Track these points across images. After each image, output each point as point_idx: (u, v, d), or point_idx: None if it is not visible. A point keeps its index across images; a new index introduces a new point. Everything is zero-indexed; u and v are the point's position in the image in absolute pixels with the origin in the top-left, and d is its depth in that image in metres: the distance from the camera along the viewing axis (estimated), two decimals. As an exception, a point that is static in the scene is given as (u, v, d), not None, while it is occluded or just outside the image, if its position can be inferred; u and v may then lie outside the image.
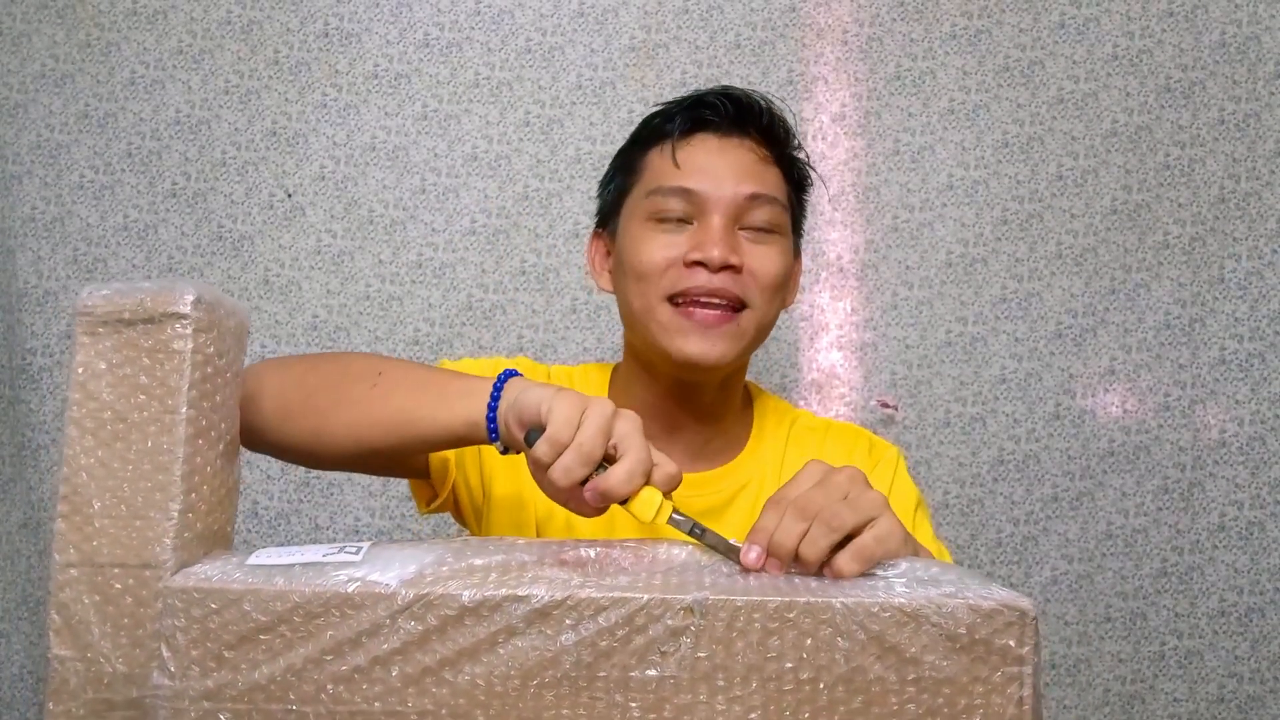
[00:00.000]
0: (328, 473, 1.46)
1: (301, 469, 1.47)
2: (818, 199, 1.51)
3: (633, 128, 1.49)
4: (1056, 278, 1.51)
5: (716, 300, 0.91)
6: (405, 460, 0.93)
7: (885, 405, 1.51)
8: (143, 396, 0.61)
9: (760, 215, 0.94)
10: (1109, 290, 1.51)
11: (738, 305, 0.92)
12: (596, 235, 1.05)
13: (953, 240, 1.51)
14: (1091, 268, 1.51)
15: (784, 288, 0.97)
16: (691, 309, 0.91)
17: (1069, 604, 1.50)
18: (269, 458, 1.48)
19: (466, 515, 1.00)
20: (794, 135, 1.01)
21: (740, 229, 0.94)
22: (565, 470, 0.63)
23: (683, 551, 0.63)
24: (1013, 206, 1.51)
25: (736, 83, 1.48)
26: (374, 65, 1.49)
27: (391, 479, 1.47)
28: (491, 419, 0.71)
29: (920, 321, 1.51)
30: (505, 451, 0.73)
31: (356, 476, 1.47)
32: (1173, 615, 1.50)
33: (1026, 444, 1.51)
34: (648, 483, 0.64)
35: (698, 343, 0.91)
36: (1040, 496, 1.50)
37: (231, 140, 1.48)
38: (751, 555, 0.61)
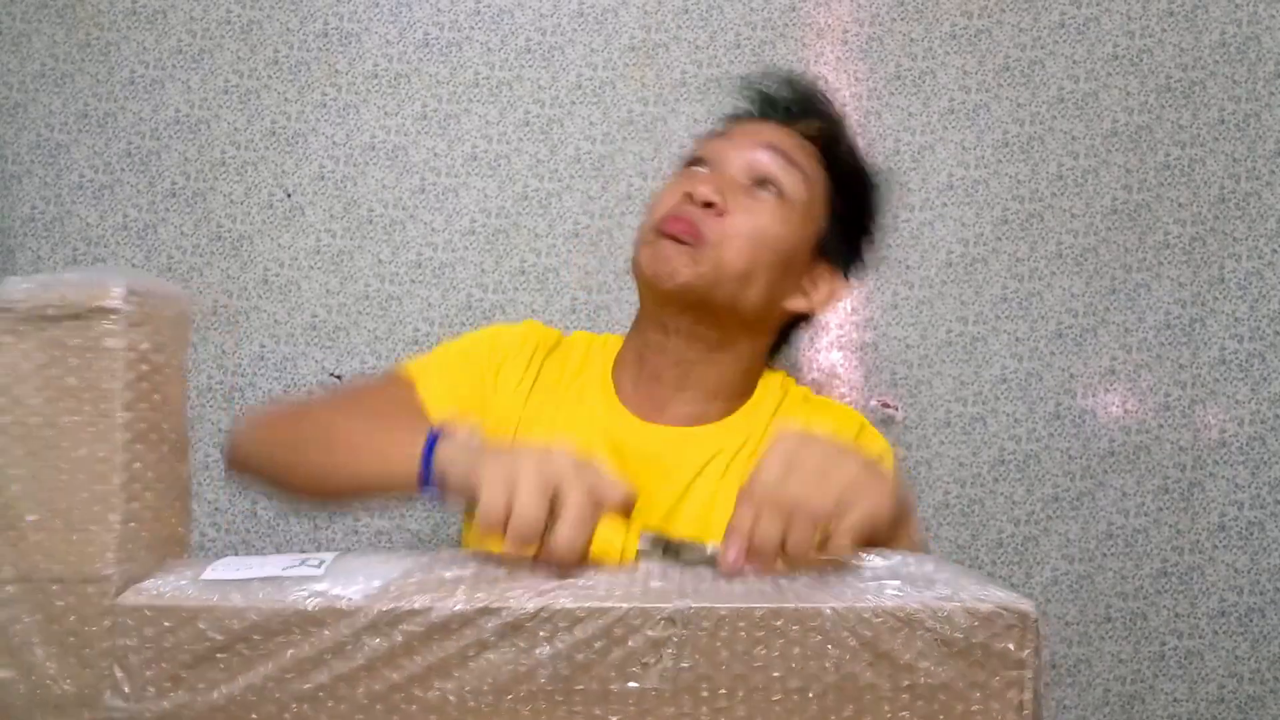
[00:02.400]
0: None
1: (301, 469, 1.47)
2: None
3: (632, 127, 1.50)
4: (1057, 277, 1.51)
5: (681, 227, 0.94)
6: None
7: (885, 405, 1.50)
8: (73, 400, 0.57)
9: (769, 168, 0.97)
10: (1109, 290, 1.51)
11: (700, 237, 0.94)
12: None
13: (953, 240, 1.51)
14: (1092, 267, 1.51)
15: (769, 249, 0.96)
16: (663, 229, 0.94)
17: (1069, 604, 1.50)
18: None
19: None
20: (862, 165, 1.05)
21: (755, 183, 0.97)
22: (516, 551, 0.60)
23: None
24: (1013, 206, 1.51)
25: (736, 82, 1.49)
26: (374, 65, 1.49)
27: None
28: (428, 485, 0.71)
29: (920, 321, 1.51)
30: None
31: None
32: (1173, 615, 1.50)
33: (1027, 444, 1.51)
34: (600, 515, 0.61)
35: (657, 248, 0.94)
36: (1040, 496, 1.50)
37: (231, 140, 1.48)
38: (730, 557, 0.59)
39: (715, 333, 0.98)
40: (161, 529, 0.60)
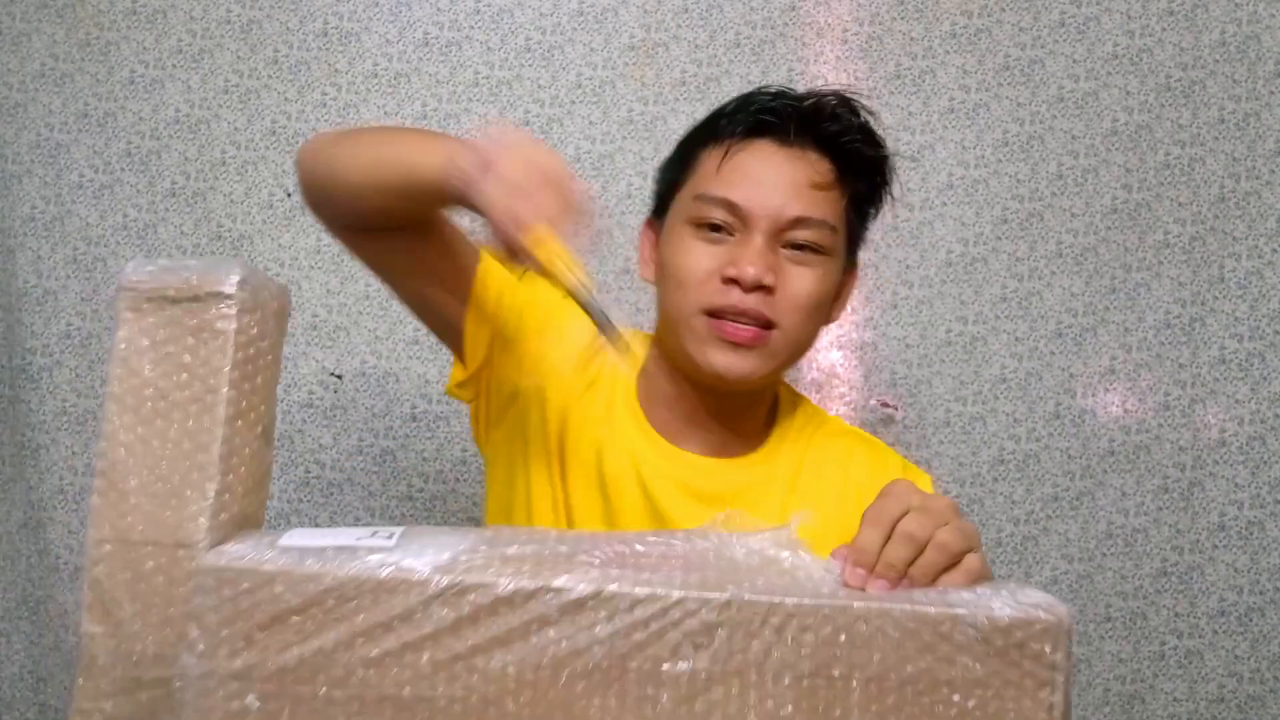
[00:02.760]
0: (328, 473, 1.47)
1: (302, 469, 1.47)
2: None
3: (632, 127, 1.50)
4: (1056, 277, 1.51)
5: (746, 319, 0.91)
6: (413, 222, 0.95)
7: (885, 405, 1.51)
8: (185, 375, 0.61)
9: (804, 235, 0.92)
10: (1109, 289, 1.51)
11: (768, 324, 0.91)
12: (649, 224, 1.04)
13: (953, 239, 1.51)
14: (1092, 267, 1.51)
15: (821, 308, 0.95)
16: (724, 323, 0.90)
17: (1069, 604, 1.49)
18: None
19: (480, 417, 1.02)
20: (878, 144, 0.98)
21: (783, 246, 0.92)
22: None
23: (718, 548, 0.63)
24: (1013, 205, 1.51)
25: (735, 81, 1.49)
26: (374, 65, 1.49)
27: (390, 480, 1.47)
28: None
29: (920, 321, 1.51)
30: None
31: (357, 477, 1.47)
32: (1173, 615, 1.50)
33: (1026, 444, 1.51)
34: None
35: (726, 356, 0.91)
36: (1040, 496, 1.50)
37: (231, 140, 1.48)
38: (855, 575, 0.60)
39: (764, 390, 1.00)
40: (247, 505, 0.63)
